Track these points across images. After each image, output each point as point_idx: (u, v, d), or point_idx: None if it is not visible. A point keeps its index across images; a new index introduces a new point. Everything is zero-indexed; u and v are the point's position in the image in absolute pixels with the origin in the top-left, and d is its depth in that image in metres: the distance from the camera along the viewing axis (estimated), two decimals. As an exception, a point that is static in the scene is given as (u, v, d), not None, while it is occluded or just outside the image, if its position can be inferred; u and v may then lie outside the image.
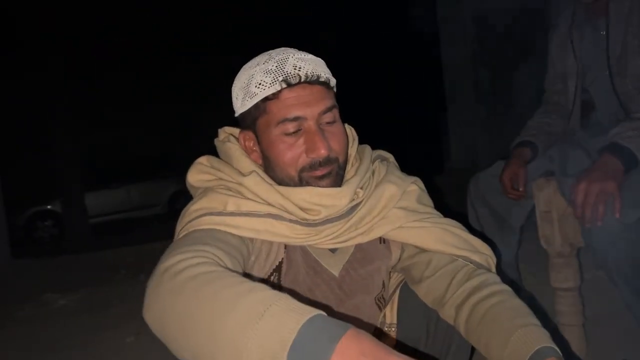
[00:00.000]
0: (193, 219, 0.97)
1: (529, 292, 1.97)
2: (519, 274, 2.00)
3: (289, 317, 0.66)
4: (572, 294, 1.81)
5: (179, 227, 1.00)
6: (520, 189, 1.77)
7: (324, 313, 0.68)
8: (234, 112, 1.07)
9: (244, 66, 1.04)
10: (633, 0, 1.58)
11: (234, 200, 0.98)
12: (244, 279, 0.75)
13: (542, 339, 0.86)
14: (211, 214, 0.96)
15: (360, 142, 1.15)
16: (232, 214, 0.97)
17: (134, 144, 10.21)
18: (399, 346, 1.12)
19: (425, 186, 1.16)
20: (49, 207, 8.92)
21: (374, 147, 1.19)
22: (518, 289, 1.97)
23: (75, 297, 3.47)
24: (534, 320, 0.91)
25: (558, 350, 0.85)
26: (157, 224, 7.88)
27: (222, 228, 0.95)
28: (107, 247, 6.04)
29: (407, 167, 1.19)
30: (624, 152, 1.42)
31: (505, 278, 1.85)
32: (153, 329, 0.79)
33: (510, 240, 1.91)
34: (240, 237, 0.96)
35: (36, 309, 3.28)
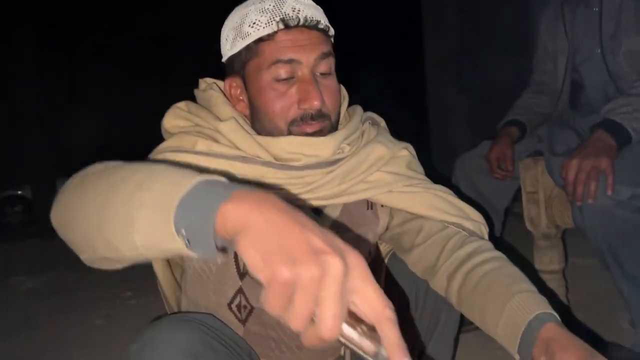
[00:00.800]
0: (159, 152, 0.91)
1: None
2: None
3: (185, 176, 0.56)
4: (557, 277, 1.79)
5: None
6: (509, 169, 1.73)
7: (215, 177, 0.57)
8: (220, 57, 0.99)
9: (237, 7, 0.96)
10: None
11: (204, 141, 0.91)
12: (151, 164, 0.66)
13: (541, 304, 0.82)
14: (178, 150, 0.89)
15: None
16: (199, 152, 0.89)
17: (107, 130, 9.99)
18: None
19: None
20: (19, 192, 8.67)
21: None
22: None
23: (42, 280, 3.38)
24: (530, 286, 0.87)
25: (557, 315, 0.80)
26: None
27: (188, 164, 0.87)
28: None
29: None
30: (617, 128, 1.39)
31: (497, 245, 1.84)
32: (56, 229, 0.73)
33: (496, 222, 1.87)
34: None
35: (2, 291, 3.19)
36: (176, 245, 0.54)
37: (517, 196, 1.85)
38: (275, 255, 0.47)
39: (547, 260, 1.77)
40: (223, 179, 0.57)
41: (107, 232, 0.61)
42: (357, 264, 0.49)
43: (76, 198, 0.68)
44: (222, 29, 0.97)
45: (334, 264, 0.47)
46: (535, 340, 0.77)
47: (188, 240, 0.53)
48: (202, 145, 0.90)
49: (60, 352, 2.17)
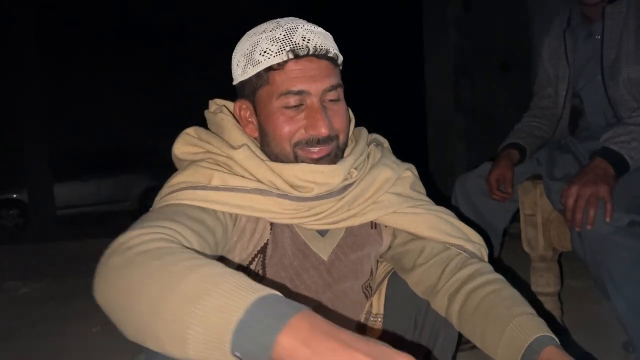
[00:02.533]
0: (174, 191, 0.91)
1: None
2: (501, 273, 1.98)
3: (237, 294, 0.60)
4: (552, 299, 1.81)
5: (157, 198, 0.93)
6: (508, 191, 1.76)
7: (277, 292, 0.61)
8: (229, 85, 1.01)
9: (248, 32, 0.98)
10: (629, 4, 1.59)
11: (220, 174, 0.92)
12: (198, 256, 0.69)
13: (540, 327, 0.84)
14: (194, 187, 0.90)
15: None
16: (216, 188, 0.91)
17: (107, 136, 9.99)
18: (384, 335, 1.08)
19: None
20: (14, 195, 8.65)
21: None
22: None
23: (38, 286, 3.35)
24: (529, 309, 0.89)
25: (556, 338, 0.82)
26: (126, 219, 7.72)
27: (203, 204, 0.89)
28: (73, 239, 5.88)
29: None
30: (615, 157, 1.42)
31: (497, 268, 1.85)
32: (101, 305, 0.72)
33: (494, 242, 1.89)
34: (219, 217, 0.91)
35: (-3, 296, 3.16)
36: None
37: (515, 217, 1.88)
38: None
39: (544, 282, 1.80)
40: (275, 294, 0.61)
41: (160, 341, 0.64)
42: None
43: (125, 285, 0.68)
44: (234, 53, 0.99)
45: None
46: None
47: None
48: (217, 179, 0.91)
49: (54, 357, 2.16)
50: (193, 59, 10.15)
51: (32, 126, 6.92)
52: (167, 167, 1.07)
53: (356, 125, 1.11)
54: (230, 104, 1.05)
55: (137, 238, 0.74)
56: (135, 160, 9.52)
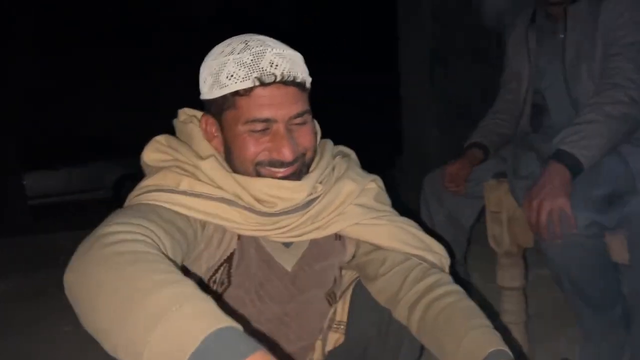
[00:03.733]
0: (143, 193, 0.92)
1: (477, 289, 2.01)
2: (468, 272, 2.03)
3: (197, 321, 0.61)
4: (518, 293, 1.86)
5: (128, 198, 0.95)
6: (460, 188, 1.81)
7: (237, 326, 0.63)
8: (196, 93, 1.01)
9: (217, 47, 0.98)
10: (591, 4, 1.60)
11: (189, 180, 0.94)
12: (170, 269, 0.70)
13: (495, 341, 0.86)
14: (164, 190, 0.91)
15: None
16: (184, 192, 0.92)
17: (79, 124, 9.81)
18: (345, 345, 1.11)
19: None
20: (-17, 187, 8.46)
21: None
22: (468, 287, 2.00)
23: (9, 283, 3.31)
24: (486, 322, 0.91)
25: (510, 352, 0.85)
26: (99, 209, 7.63)
27: (171, 207, 0.90)
28: (45, 231, 5.79)
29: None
30: (569, 158, 1.43)
31: (456, 277, 1.89)
32: (67, 293, 0.74)
33: (460, 238, 1.94)
34: (189, 220, 0.92)
35: (-35, 293, 3.11)
36: None
37: (482, 214, 1.92)
38: None
39: (509, 277, 1.84)
40: (234, 328, 0.62)
41: (116, 348, 0.66)
42: None
43: (95, 284, 0.70)
44: (202, 67, 0.99)
45: None
46: None
47: None
48: (185, 184, 0.92)
49: (24, 357, 2.16)
50: (166, 48, 10.01)
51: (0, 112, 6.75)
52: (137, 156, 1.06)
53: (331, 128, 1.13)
54: (199, 114, 1.06)
55: (116, 235, 0.75)
56: (108, 148, 9.38)
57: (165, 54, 10.04)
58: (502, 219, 1.78)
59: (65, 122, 9.71)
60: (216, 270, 1.00)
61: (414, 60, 4.91)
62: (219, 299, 1.01)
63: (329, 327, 1.14)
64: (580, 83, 1.67)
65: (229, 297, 1.02)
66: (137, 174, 1.01)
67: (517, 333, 1.87)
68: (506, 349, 0.85)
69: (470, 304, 0.95)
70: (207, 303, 0.65)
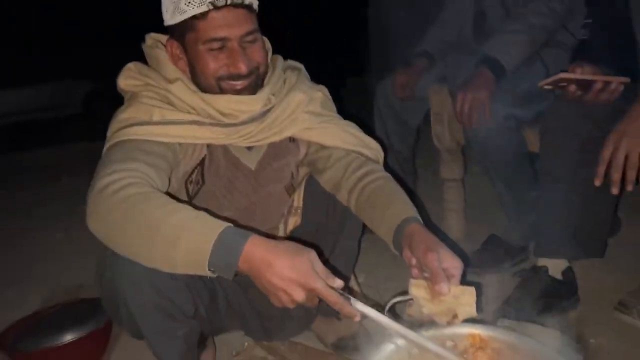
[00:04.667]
0: (122, 128, 1.11)
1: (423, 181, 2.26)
2: (415, 167, 2.29)
3: (209, 229, 0.90)
4: (457, 184, 2.13)
5: (109, 132, 1.13)
6: (409, 95, 2.02)
7: (231, 225, 0.91)
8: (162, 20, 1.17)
9: None
10: None
11: (159, 110, 1.12)
12: (169, 201, 0.95)
13: (409, 211, 1.10)
14: (140, 124, 1.10)
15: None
16: (158, 123, 1.11)
17: (45, 40, 9.44)
18: (302, 226, 1.36)
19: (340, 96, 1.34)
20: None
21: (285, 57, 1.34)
22: (414, 180, 2.27)
23: (-4, 197, 3.48)
24: (405, 198, 1.15)
25: (419, 218, 1.09)
26: (71, 125, 7.64)
27: (150, 138, 1.10)
28: (18, 148, 5.85)
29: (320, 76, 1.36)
30: (493, 62, 1.66)
31: (400, 170, 2.14)
32: (97, 235, 0.97)
33: (408, 138, 2.17)
34: (167, 145, 1.12)
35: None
36: (207, 274, 0.91)
37: (427, 115, 2.13)
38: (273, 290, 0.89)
39: (450, 170, 2.11)
40: (231, 227, 0.91)
41: (154, 261, 0.94)
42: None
43: (118, 224, 0.94)
44: None
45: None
46: (403, 236, 1.06)
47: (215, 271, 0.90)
48: (158, 115, 1.11)
49: (22, 265, 2.36)
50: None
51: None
52: (110, 70, 1.23)
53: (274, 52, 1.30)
54: (163, 39, 1.22)
55: (115, 184, 0.96)
56: (75, 64, 9.14)
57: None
58: (444, 119, 2.01)
59: (32, 39, 9.35)
60: (191, 173, 1.21)
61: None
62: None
63: (289, 212, 1.38)
64: None
65: (205, 192, 1.24)
66: (106, 91, 1.18)
67: (458, 218, 2.17)
68: (417, 215, 1.09)
69: (395, 186, 1.19)
70: (205, 217, 0.92)
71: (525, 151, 1.72)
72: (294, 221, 1.38)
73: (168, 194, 1.03)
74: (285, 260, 0.87)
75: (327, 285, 0.87)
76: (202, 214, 0.93)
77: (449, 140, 2.04)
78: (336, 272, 1.38)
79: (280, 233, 1.39)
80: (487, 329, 0.95)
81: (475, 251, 1.89)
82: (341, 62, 8.84)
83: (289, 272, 0.86)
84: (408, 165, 2.22)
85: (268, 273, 0.87)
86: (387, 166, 1.30)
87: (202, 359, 1.37)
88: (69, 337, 1.44)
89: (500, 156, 1.72)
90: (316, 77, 1.37)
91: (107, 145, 1.11)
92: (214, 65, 1.13)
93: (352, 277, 1.56)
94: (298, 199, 1.37)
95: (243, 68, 1.13)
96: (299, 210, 1.37)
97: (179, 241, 0.89)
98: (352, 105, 2.41)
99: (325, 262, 1.32)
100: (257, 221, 1.33)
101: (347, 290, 1.44)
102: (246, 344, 1.54)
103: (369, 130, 1.41)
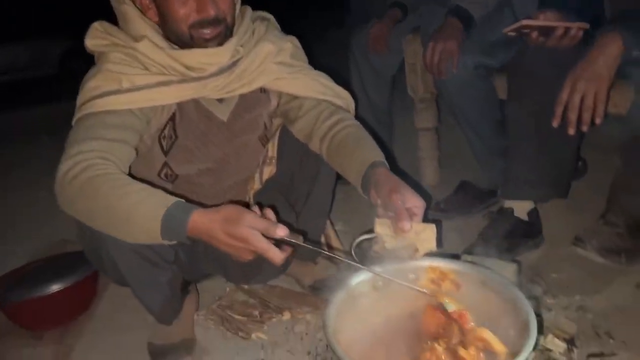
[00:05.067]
0: (91, 99, 1.13)
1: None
2: (391, 118, 2.33)
3: (152, 213, 0.98)
4: (431, 133, 2.19)
5: (78, 101, 1.16)
6: (383, 47, 2.04)
7: (180, 199, 0.99)
8: None
9: None
10: None
11: (128, 77, 1.14)
12: (128, 181, 1.03)
13: (376, 156, 1.14)
14: (109, 94, 1.13)
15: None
16: (128, 90, 1.13)
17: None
18: (276, 175, 1.41)
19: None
20: None
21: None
22: (389, 129, 2.32)
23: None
24: (373, 144, 1.20)
25: (385, 163, 1.14)
26: (48, 85, 7.51)
27: (119, 107, 1.13)
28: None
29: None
30: (464, 13, 1.69)
31: (377, 121, 2.18)
32: (69, 213, 1.05)
33: (384, 89, 2.20)
34: (134, 113, 1.15)
35: None
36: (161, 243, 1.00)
37: (402, 67, 2.16)
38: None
39: (424, 120, 2.16)
40: (178, 201, 0.99)
41: (118, 233, 1.04)
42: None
43: (88, 204, 1.02)
44: None
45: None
46: (370, 179, 1.11)
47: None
48: (126, 82, 1.13)
49: (5, 224, 2.40)
50: None
51: None
52: (87, 28, 1.23)
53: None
54: None
55: (74, 169, 1.01)
56: (51, 22, 8.86)
57: None
58: (418, 69, 2.05)
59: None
60: (163, 129, 1.24)
61: None
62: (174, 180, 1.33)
63: (264, 162, 1.43)
64: None
65: (179, 146, 1.28)
66: (83, 50, 1.20)
67: (431, 166, 2.24)
68: (384, 159, 1.14)
69: (363, 133, 1.24)
70: (150, 198, 1.00)
71: (494, 99, 1.77)
72: (269, 171, 1.43)
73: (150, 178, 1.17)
74: (223, 229, 0.94)
75: (267, 240, 0.93)
76: (150, 192, 1.01)
77: (422, 90, 2.08)
78: (311, 219, 1.47)
79: (256, 182, 1.44)
80: (446, 262, 1.02)
81: (447, 197, 1.97)
82: (322, 15, 8.72)
83: (228, 239, 0.95)
84: (384, 116, 2.26)
85: (213, 241, 0.97)
86: (362, 118, 1.34)
87: (186, 304, 1.44)
88: (56, 287, 1.51)
89: (469, 104, 1.76)
90: (295, 30, 1.39)
91: (76, 116, 1.15)
92: (183, 10, 1.14)
93: (329, 224, 1.63)
94: (272, 149, 1.42)
95: (211, 12, 1.14)
96: (273, 160, 1.42)
97: (132, 221, 0.99)
98: (333, 58, 2.43)
99: (299, 214, 1.38)
100: (232, 172, 1.37)
101: (322, 236, 1.51)
102: (228, 289, 1.61)
103: (345, 82, 1.44)
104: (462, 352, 0.90)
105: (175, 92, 1.18)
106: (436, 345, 0.88)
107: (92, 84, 1.14)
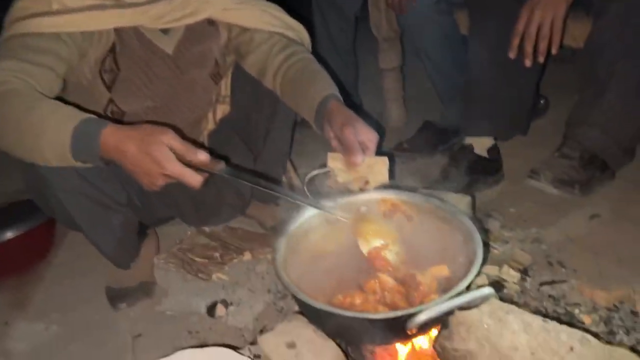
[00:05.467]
0: (19, 19, 1.06)
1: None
2: (356, 59, 2.28)
3: (62, 127, 0.93)
4: (395, 73, 2.16)
5: (6, 20, 1.08)
6: None
7: (92, 115, 0.95)
8: None
9: None
10: None
11: None
12: (38, 97, 0.98)
13: (328, 89, 1.12)
14: (39, 15, 1.05)
15: None
16: (57, 12, 1.06)
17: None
18: (232, 114, 1.37)
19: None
20: None
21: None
22: (355, 72, 2.27)
23: None
24: (327, 76, 1.17)
25: (339, 96, 1.11)
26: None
27: (47, 30, 1.05)
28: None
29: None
30: None
31: (341, 62, 2.13)
32: None
33: (347, 28, 2.14)
34: (62, 39, 1.07)
35: None
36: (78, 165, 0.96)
37: (365, 4, 2.10)
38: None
39: (388, 59, 2.12)
40: (90, 117, 0.93)
41: (30, 158, 0.98)
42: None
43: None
44: None
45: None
46: (323, 114, 1.08)
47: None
48: (56, 4, 1.05)
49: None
50: None
51: None
52: None
53: None
54: None
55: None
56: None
57: None
58: (381, 6, 1.99)
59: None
60: (103, 61, 1.17)
61: None
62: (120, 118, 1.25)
63: (217, 101, 1.38)
64: None
65: (123, 81, 1.20)
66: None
67: (397, 107, 2.22)
68: (337, 92, 1.11)
69: (316, 66, 1.20)
70: (63, 111, 0.95)
71: (457, 36, 1.74)
72: (222, 109, 1.39)
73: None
74: (137, 146, 0.89)
75: (185, 162, 0.89)
76: (63, 106, 0.95)
77: (386, 29, 2.04)
78: (271, 161, 1.44)
79: (210, 122, 1.40)
80: (398, 194, 1.02)
81: (410, 137, 1.96)
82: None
83: (142, 158, 0.88)
84: (349, 57, 2.21)
85: (124, 160, 0.91)
86: (321, 57, 1.29)
87: (144, 248, 1.42)
88: (10, 234, 1.47)
89: (432, 41, 1.73)
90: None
91: (3, 35, 1.08)
92: None
93: (289, 166, 1.61)
94: (225, 87, 1.37)
95: None
96: (227, 99, 1.37)
97: (41, 136, 0.93)
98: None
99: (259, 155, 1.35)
100: (182, 109, 1.32)
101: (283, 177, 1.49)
102: (189, 233, 1.60)
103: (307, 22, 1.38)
104: (419, 277, 0.91)
105: (109, 18, 1.11)
106: (381, 275, 0.89)
107: (21, 3, 1.07)
